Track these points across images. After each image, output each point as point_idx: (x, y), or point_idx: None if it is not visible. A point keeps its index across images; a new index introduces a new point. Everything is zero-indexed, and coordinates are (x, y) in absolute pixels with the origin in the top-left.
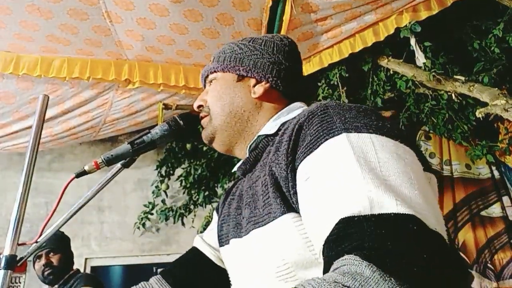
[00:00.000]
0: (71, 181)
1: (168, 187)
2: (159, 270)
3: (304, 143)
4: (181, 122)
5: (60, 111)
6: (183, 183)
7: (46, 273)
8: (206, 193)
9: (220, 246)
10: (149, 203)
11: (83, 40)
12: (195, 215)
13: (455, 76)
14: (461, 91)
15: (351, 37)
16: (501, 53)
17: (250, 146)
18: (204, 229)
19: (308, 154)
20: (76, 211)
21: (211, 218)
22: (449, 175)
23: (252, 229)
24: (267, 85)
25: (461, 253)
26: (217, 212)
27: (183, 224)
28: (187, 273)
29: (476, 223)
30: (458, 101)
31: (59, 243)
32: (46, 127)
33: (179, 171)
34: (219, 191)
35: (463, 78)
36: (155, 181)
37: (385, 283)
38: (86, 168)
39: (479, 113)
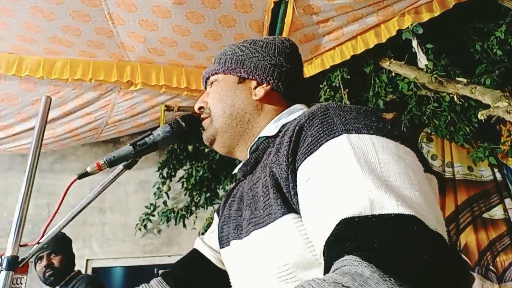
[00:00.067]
0: (73, 182)
1: (169, 188)
2: (160, 271)
3: (305, 144)
4: (183, 123)
5: (62, 113)
6: (185, 185)
7: (47, 274)
8: (208, 194)
9: (221, 247)
10: (151, 204)
11: (85, 41)
12: (196, 217)
13: (457, 78)
14: (463, 93)
15: (353, 39)
16: (503, 55)
17: (250, 148)
18: (206, 230)
19: (309, 155)
20: (78, 213)
21: (212, 220)
22: (451, 177)
23: (253, 230)
24: (268, 87)
25: (463, 255)
26: (218, 214)
27: (184, 225)
28: (188, 275)
29: (478, 225)
30: (460, 103)
31: (61, 245)
32: (48, 128)
33: (180, 173)
34: (221, 192)
35: (465, 80)
36: (156, 183)
37: (385, 284)
38: (88, 169)
39: (481, 115)
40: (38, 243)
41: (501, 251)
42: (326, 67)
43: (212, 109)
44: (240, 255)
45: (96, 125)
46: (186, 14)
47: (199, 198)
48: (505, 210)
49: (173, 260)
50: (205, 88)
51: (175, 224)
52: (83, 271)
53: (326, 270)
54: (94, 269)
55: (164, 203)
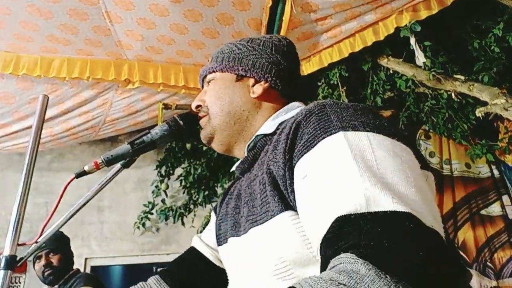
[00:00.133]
0: (71, 181)
1: (168, 186)
2: (159, 269)
3: (302, 141)
4: (181, 122)
5: (60, 111)
6: (183, 183)
7: (46, 273)
8: (206, 192)
9: (218, 245)
10: (149, 202)
11: (83, 40)
12: (195, 215)
13: (455, 76)
14: (461, 90)
15: (351, 36)
16: (500, 52)
17: (248, 146)
18: (204, 228)
19: (306, 153)
20: (76, 211)
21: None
22: (449, 174)
23: (251, 228)
24: (266, 84)
25: (460, 252)
26: (215, 212)
27: (183, 223)
28: (185, 273)
29: (476, 222)
30: (458, 100)
31: (59, 243)
32: (46, 127)
33: (179, 171)
34: (219, 190)
35: (463, 78)
36: (155, 181)
37: (380, 281)
38: (86, 168)
39: (479, 112)
40: (36, 242)
41: (499, 247)
42: (324, 64)
43: (210, 107)
44: (237, 252)
45: (94, 124)
46: (184, 12)
47: (197, 196)
48: (503, 206)
49: (171, 258)
50: (202, 86)
51: (174, 222)
52: (82, 270)
53: (323, 268)
54: (92, 268)
55: (163, 201)
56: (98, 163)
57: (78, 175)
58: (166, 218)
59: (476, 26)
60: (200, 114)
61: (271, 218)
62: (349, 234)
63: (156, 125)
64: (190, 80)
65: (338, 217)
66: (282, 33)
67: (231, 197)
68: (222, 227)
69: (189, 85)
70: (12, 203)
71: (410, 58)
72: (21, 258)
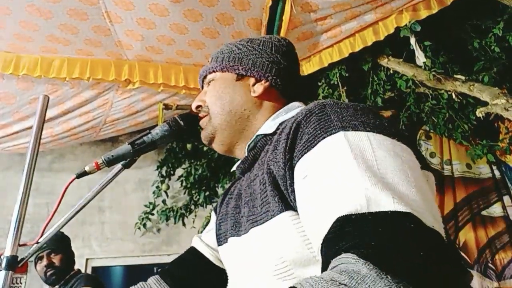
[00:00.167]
0: (71, 181)
1: (168, 187)
2: (159, 269)
3: (302, 141)
4: (181, 122)
5: (60, 112)
6: (184, 183)
7: (48, 273)
8: (207, 193)
9: (219, 245)
10: (150, 203)
11: (83, 40)
12: (195, 215)
13: (455, 76)
14: (461, 90)
15: (351, 36)
16: (501, 52)
17: (248, 146)
18: (205, 229)
19: (306, 152)
20: (77, 212)
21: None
22: (450, 174)
23: (251, 228)
24: (267, 83)
25: (461, 253)
26: (215, 212)
27: (183, 224)
28: (185, 273)
29: (477, 222)
30: (459, 100)
31: (60, 244)
32: (46, 127)
33: (179, 171)
34: (220, 191)
35: (463, 78)
36: (155, 181)
37: (381, 281)
38: (87, 168)
39: (480, 112)
40: (37, 242)
41: (500, 248)
42: (324, 64)
43: (210, 107)
44: (238, 252)
45: (94, 124)
46: (184, 12)
47: (198, 197)
48: (504, 207)
49: (172, 259)
50: (202, 87)
51: (175, 223)
52: (82, 271)
53: (324, 268)
54: (93, 268)
55: (163, 202)
56: (99, 163)
57: (79, 176)
58: (167, 219)
59: (476, 26)
60: (201, 115)
61: (272, 218)
62: (350, 234)
63: (157, 125)
64: (190, 80)
65: (339, 217)
66: (282, 33)
67: (231, 197)
68: (222, 227)
69: (189, 85)
70: (13, 204)
71: (410, 58)
72: (22, 259)
